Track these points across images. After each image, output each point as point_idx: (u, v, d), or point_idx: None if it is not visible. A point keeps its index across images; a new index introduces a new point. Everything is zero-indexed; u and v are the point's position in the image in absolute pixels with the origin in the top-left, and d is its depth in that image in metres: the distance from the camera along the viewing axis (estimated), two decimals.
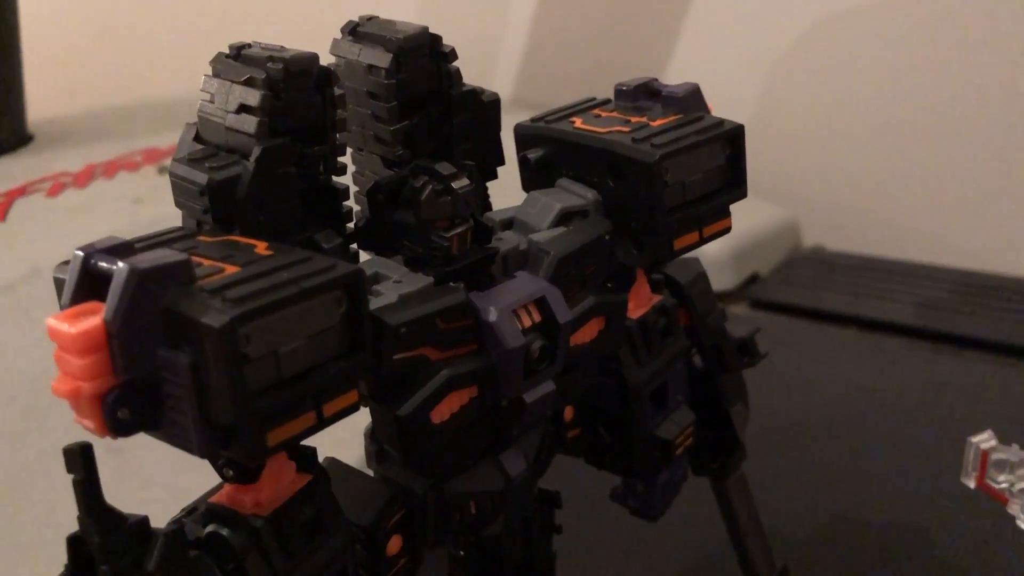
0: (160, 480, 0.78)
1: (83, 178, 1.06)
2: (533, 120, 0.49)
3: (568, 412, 0.51)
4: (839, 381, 1.09)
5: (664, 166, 0.44)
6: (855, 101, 1.50)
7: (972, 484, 0.57)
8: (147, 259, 0.31)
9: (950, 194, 1.43)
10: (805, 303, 1.30)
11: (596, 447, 0.52)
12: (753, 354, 0.57)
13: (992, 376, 1.09)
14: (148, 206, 1.00)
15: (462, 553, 0.48)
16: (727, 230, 0.50)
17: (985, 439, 0.56)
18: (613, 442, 0.52)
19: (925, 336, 1.20)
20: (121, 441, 0.74)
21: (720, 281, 1.35)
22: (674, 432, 0.52)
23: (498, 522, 0.46)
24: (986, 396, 1.02)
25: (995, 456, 0.56)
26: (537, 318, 0.42)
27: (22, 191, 1.02)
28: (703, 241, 0.48)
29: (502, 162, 0.45)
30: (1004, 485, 0.56)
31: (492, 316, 0.40)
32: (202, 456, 0.33)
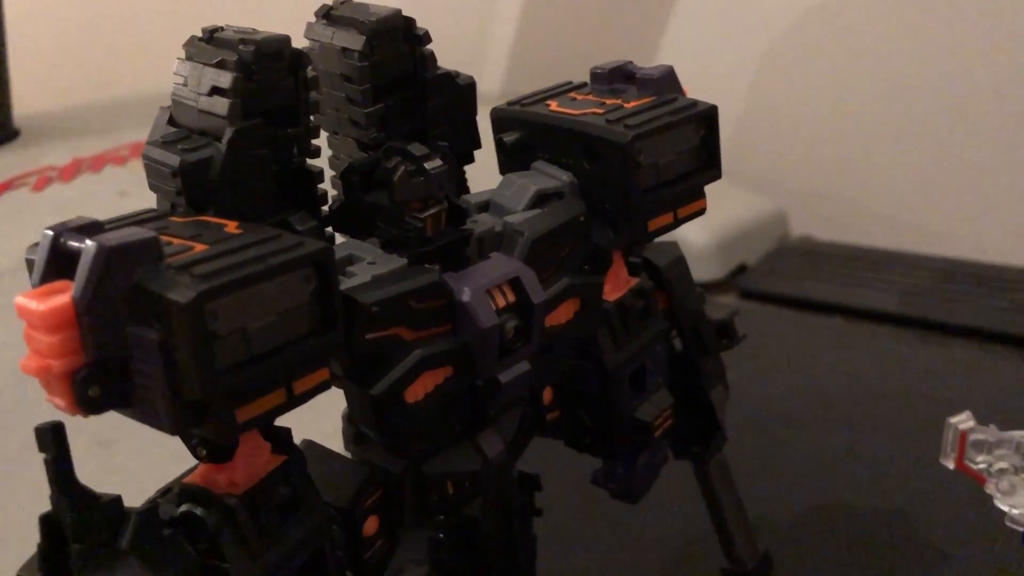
0: (148, 473, 0.78)
1: (69, 172, 1.06)
2: (509, 103, 0.49)
3: (547, 394, 0.51)
4: (826, 369, 1.09)
5: (637, 147, 0.44)
6: (843, 93, 1.51)
7: (951, 465, 0.57)
8: (115, 237, 0.31)
9: (935, 184, 1.43)
10: (792, 293, 1.30)
11: (575, 429, 0.52)
12: (732, 336, 0.57)
13: (976, 362, 1.09)
14: (134, 199, 0.99)
15: (442, 536, 0.48)
16: (702, 211, 0.50)
17: (963, 420, 0.57)
18: (592, 424, 0.52)
19: (911, 324, 1.20)
20: (108, 434, 0.74)
21: (708, 271, 1.35)
22: (653, 414, 0.52)
23: (476, 503, 0.47)
24: (970, 382, 1.03)
25: (973, 437, 0.56)
26: (511, 298, 0.42)
27: (8, 185, 1.02)
28: (678, 222, 0.48)
29: (478, 145, 0.45)
30: (982, 466, 0.56)
31: (466, 296, 0.41)
32: (173, 433, 0.33)
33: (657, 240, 0.55)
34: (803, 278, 1.35)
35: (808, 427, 0.98)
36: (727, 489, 0.60)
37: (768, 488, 0.84)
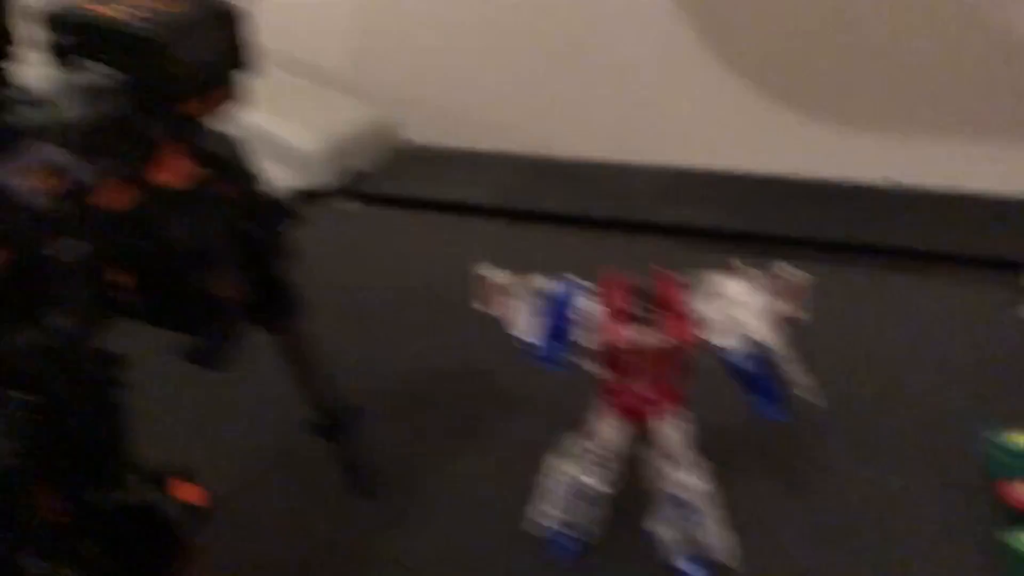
0: None
1: None
2: (57, 6, 0.52)
3: (121, 275, 0.55)
4: (432, 259, 1.22)
5: (169, 40, 0.50)
6: (439, 8, 1.62)
7: (485, 309, 0.69)
8: None
9: (523, 89, 1.59)
10: (405, 194, 1.42)
11: (152, 307, 0.57)
12: (295, 216, 0.65)
13: (558, 241, 1.27)
14: None
15: (21, 412, 0.51)
16: (237, 101, 0.57)
17: (488, 269, 0.69)
18: (167, 301, 0.57)
19: (503, 214, 1.36)
20: None
21: (323, 178, 1.42)
22: (225, 288, 0.59)
23: (58, 384, 0.51)
24: (551, 257, 1.20)
25: (498, 284, 0.69)
26: (58, 182, 0.46)
27: None
28: (216, 112, 0.55)
29: (10, 42, 0.48)
30: (505, 305, 0.68)
31: (8, 179, 0.44)
32: None
33: (217, 130, 0.61)
34: (414, 180, 1.46)
35: (415, 305, 1.10)
36: (310, 352, 0.69)
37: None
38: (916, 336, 1.01)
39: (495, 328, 0.69)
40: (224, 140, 0.61)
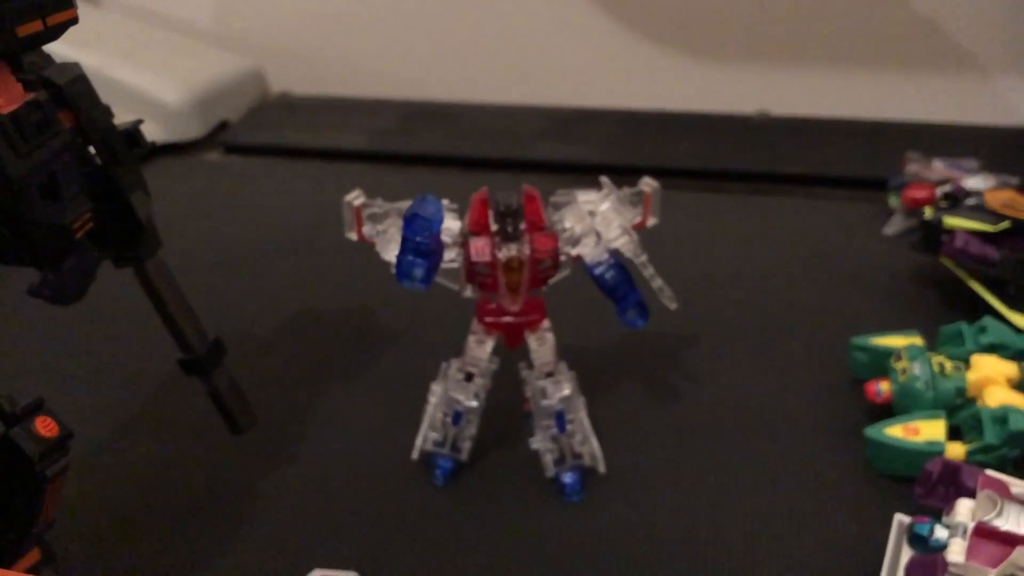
0: None
1: None
2: None
3: None
4: (303, 204, 1.20)
5: None
6: None
7: (354, 237, 0.69)
8: None
9: (393, 36, 1.58)
10: (273, 143, 1.39)
11: None
12: (141, 144, 0.63)
13: (434, 181, 1.27)
14: None
15: None
16: (73, 20, 0.54)
17: (355, 196, 0.68)
18: (12, 235, 0.55)
19: (377, 158, 1.35)
20: None
21: (189, 130, 1.39)
22: (69, 218, 0.57)
23: None
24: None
25: (368, 211, 0.69)
26: None
27: None
28: (49, 30, 0.53)
29: None
30: (376, 232, 0.68)
31: None
32: None
33: (59, 62, 0.59)
34: (282, 129, 1.44)
35: (292, 251, 1.08)
36: (169, 288, 0.67)
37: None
38: (787, 253, 1.05)
39: (374, 264, 0.69)
40: (65, 68, 0.59)
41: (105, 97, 0.61)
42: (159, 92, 1.38)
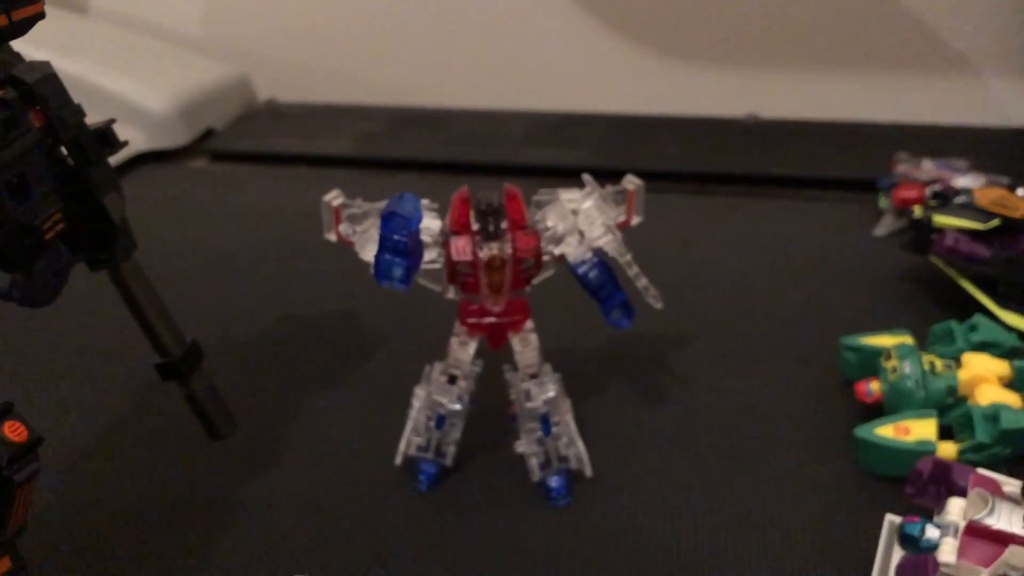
0: None
1: None
2: None
3: None
4: (288, 210, 1.19)
5: None
6: None
7: (333, 238, 0.68)
8: None
9: (379, 42, 1.58)
10: (259, 150, 1.38)
11: None
12: (114, 144, 0.62)
13: (419, 186, 1.26)
14: None
15: None
16: (41, 15, 0.53)
17: (334, 196, 0.67)
18: None
19: (364, 164, 1.34)
20: None
21: (175, 138, 1.38)
22: (39, 218, 0.55)
23: None
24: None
25: (347, 211, 0.67)
26: None
27: None
28: (13, 24, 0.51)
29: None
30: (355, 233, 0.67)
31: None
32: None
33: (30, 60, 0.58)
34: (268, 136, 1.43)
35: (272, 261, 1.07)
36: (144, 291, 0.66)
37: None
38: (777, 254, 1.05)
39: (357, 269, 0.68)
40: (34, 67, 0.57)
41: (90, 105, 0.60)
42: (145, 100, 1.37)
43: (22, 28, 0.52)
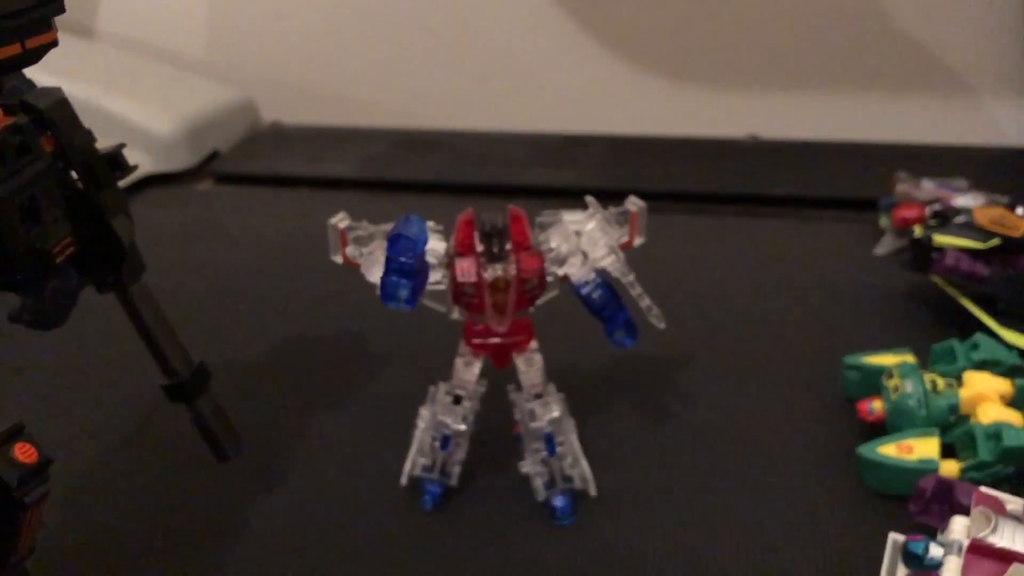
0: None
1: None
2: None
3: None
4: (293, 232, 1.20)
5: None
6: None
7: (339, 260, 0.69)
8: None
9: (383, 65, 1.59)
10: (264, 172, 1.39)
11: None
12: (124, 168, 0.63)
13: (424, 208, 1.27)
14: None
15: None
16: (53, 43, 0.54)
17: (340, 219, 0.68)
18: None
19: (368, 186, 1.35)
20: None
21: (180, 160, 1.39)
22: (50, 241, 0.56)
23: None
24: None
25: (353, 234, 0.68)
26: None
27: None
28: (27, 53, 0.52)
29: None
30: (360, 254, 0.68)
31: None
32: None
33: (41, 86, 0.59)
34: (273, 159, 1.44)
35: (277, 282, 1.08)
36: (152, 313, 0.67)
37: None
38: (778, 274, 1.05)
39: (362, 290, 0.68)
40: (47, 93, 0.58)
41: (97, 128, 0.61)
42: (151, 123, 1.38)
43: (35, 56, 0.53)
